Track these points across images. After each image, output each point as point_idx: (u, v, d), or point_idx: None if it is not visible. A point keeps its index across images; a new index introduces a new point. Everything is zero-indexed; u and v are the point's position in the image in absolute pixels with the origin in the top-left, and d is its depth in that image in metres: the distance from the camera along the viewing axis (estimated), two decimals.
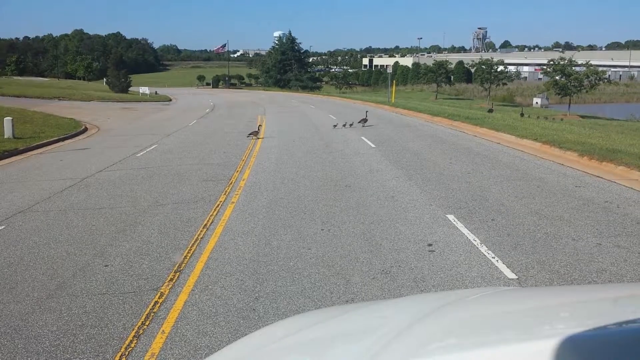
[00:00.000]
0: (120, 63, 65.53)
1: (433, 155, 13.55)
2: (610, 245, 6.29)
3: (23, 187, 10.43)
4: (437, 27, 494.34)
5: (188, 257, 6.15)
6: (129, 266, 5.91)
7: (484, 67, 57.64)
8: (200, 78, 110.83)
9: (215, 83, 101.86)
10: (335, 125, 21.47)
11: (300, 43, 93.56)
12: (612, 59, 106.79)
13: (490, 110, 34.72)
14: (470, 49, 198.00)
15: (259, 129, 18.62)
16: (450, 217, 7.59)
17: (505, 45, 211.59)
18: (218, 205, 8.64)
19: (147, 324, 4.54)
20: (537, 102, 54.98)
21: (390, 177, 10.66)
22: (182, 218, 7.89)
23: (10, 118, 17.59)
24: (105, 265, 5.95)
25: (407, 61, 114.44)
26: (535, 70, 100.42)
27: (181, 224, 7.59)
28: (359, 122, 21.61)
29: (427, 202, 8.52)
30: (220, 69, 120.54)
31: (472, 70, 78.53)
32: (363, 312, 1.73)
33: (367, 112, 24.31)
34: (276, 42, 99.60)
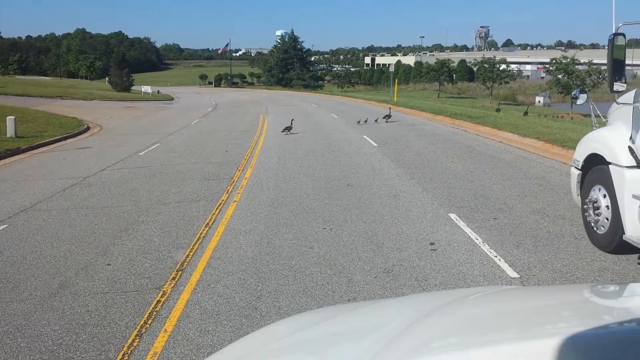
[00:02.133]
0: (123, 62, 65.62)
1: (435, 154, 13.54)
2: None
3: (25, 186, 10.46)
4: (439, 26, 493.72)
5: (190, 256, 6.16)
6: (132, 265, 5.93)
7: (486, 65, 57.38)
8: (203, 77, 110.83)
9: (218, 82, 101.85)
10: (358, 122, 21.83)
11: (302, 42, 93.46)
12: None
13: (498, 110, 34.70)
14: (472, 48, 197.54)
15: (291, 124, 19.07)
16: (453, 215, 7.59)
17: (508, 43, 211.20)
18: (220, 204, 8.65)
19: (149, 322, 4.54)
20: (539, 101, 54.82)
21: (392, 176, 10.66)
22: (185, 217, 7.90)
23: (13, 117, 17.63)
24: (108, 264, 5.97)
25: (410, 60, 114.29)
26: (537, 68, 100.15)
27: (183, 222, 7.60)
28: (383, 117, 22.64)
29: (429, 201, 8.51)
30: (223, 68, 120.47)
31: (475, 69, 78.32)
32: (365, 311, 1.73)
33: (390, 108, 25.70)
34: (278, 40, 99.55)
